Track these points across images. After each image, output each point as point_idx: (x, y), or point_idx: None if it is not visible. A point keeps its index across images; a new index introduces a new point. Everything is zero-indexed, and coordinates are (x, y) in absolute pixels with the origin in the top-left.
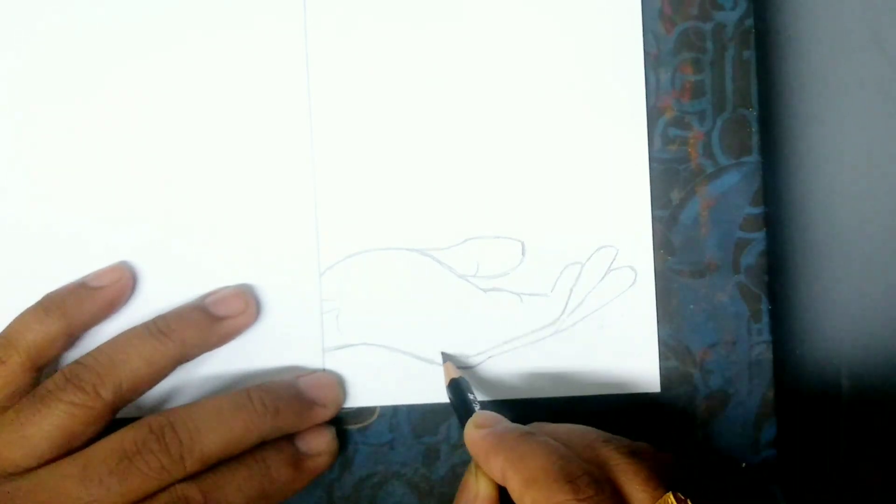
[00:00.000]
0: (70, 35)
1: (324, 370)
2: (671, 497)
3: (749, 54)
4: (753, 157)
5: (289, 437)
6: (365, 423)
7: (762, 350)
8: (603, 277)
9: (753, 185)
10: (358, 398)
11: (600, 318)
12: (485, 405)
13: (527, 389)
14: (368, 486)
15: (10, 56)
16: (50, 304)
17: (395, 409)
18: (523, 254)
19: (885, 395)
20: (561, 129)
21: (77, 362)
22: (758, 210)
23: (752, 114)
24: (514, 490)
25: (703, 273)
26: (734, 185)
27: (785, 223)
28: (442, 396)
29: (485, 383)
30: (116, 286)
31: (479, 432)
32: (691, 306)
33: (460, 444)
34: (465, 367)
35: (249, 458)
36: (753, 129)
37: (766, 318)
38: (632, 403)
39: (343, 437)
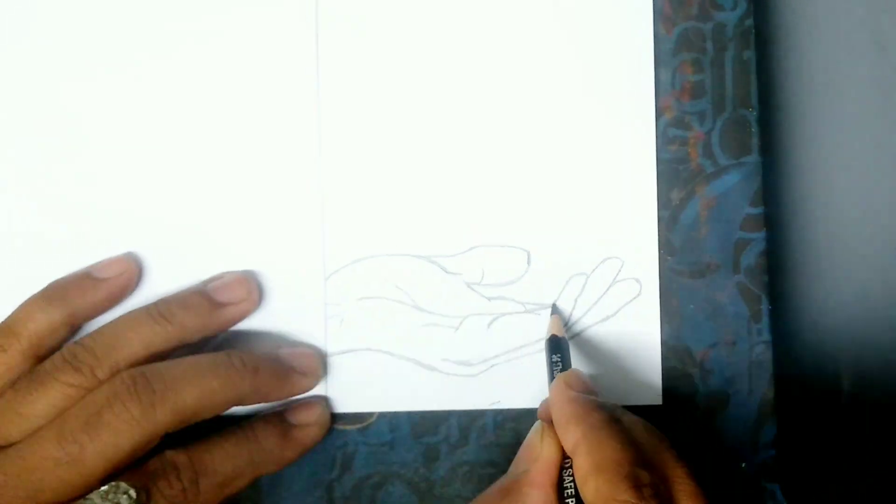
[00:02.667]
0: (86, 33)
1: (308, 344)
2: None
3: (749, 54)
4: (753, 157)
5: (279, 411)
6: (365, 424)
7: (762, 350)
8: (608, 289)
9: (753, 185)
10: (360, 403)
11: (604, 330)
12: (483, 413)
13: (529, 398)
14: (368, 486)
15: (26, 48)
16: (53, 294)
17: (395, 410)
18: (529, 263)
19: (885, 395)
20: (569, 140)
21: (76, 342)
22: (758, 210)
23: (752, 114)
24: (580, 468)
25: (703, 273)
26: (734, 185)
27: (785, 223)
28: (444, 404)
29: (486, 392)
30: (121, 278)
31: (568, 393)
32: (691, 306)
33: (460, 444)
34: (467, 374)
35: (238, 428)
36: (753, 129)
37: (766, 318)
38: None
39: (343, 437)
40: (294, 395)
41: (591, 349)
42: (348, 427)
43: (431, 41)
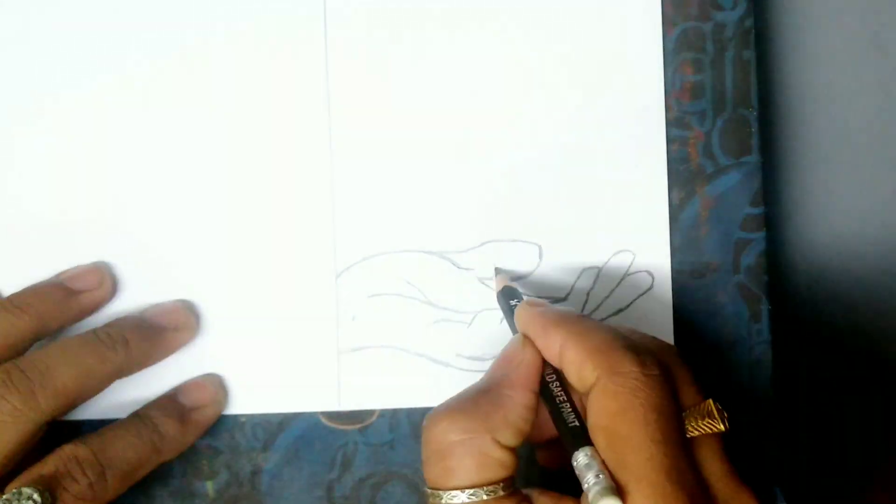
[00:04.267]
0: (96, 35)
1: (173, 300)
2: (712, 403)
3: (749, 54)
4: (753, 157)
5: (171, 395)
6: (365, 424)
7: (762, 350)
8: (620, 281)
9: (753, 185)
10: (372, 401)
11: (617, 322)
12: None
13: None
14: (368, 486)
15: (34, 52)
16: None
17: (395, 410)
18: (540, 257)
19: (886, 396)
20: (578, 134)
21: (20, 357)
22: (758, 210)
23: (752, 114)
24: (574, 359)
25: (703, 273)
26: (734, 185)
27: (785, 223)
28: None
29: None
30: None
31: (535, 310)
32: (691, 306)
33: None
34: (481, 370)
35: (135, 418)
36: (753, 129)
37: (766, 318)
38: None
39: (343, 437)
40: (174, 352)
41: None
42: (348, 427)
43: (441, 38)
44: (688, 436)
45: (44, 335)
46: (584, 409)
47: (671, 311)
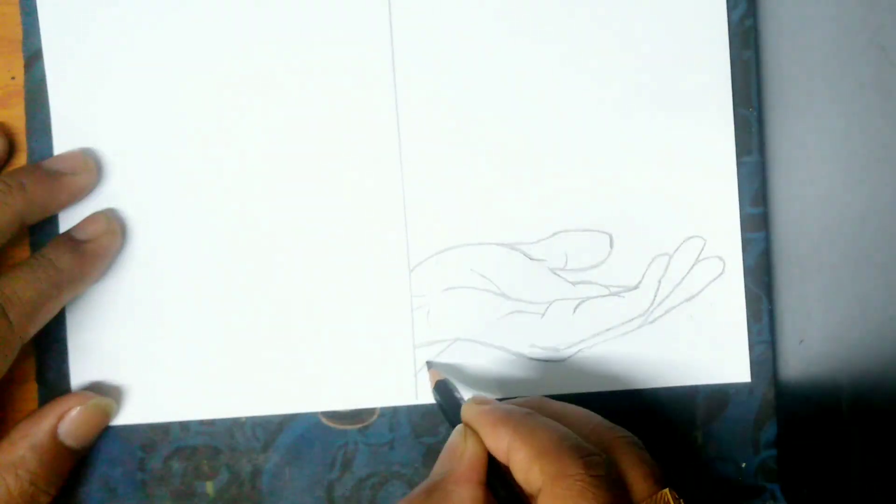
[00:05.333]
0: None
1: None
2: (668, 493)
3: (749, 54)
4: (753, 157)
5: (66, 232)
6: (365, 424)
7: (762, 350)
8: (691, 268)
9: (753, 185)
10: (451, 392)
11: (689, 309)
12: (575, 398)
13: (617, 382)
14: (368, 486)
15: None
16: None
17: (395, 409)
18: (612, 246)
19: (886, 395)
20: (647, 120)
21: None
22: (758, 210)
23: (752, 114)
24: (521, 461)
25: None
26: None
27: (785, 223)
28: (534, 390)
29: (575, 377)
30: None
31: (482, 407)
32: None
33: None
34: (556, 360)
35: (31, 258)
36: (753, 129)
37: (766, 318)
38: (633, 403)
39: (343, 437)
40: (75, 199)
41: (677, 329)
42: (348, 427)
43: (508, 27)
44: None
45: (28, 222)
46: None
47: (743, 297)
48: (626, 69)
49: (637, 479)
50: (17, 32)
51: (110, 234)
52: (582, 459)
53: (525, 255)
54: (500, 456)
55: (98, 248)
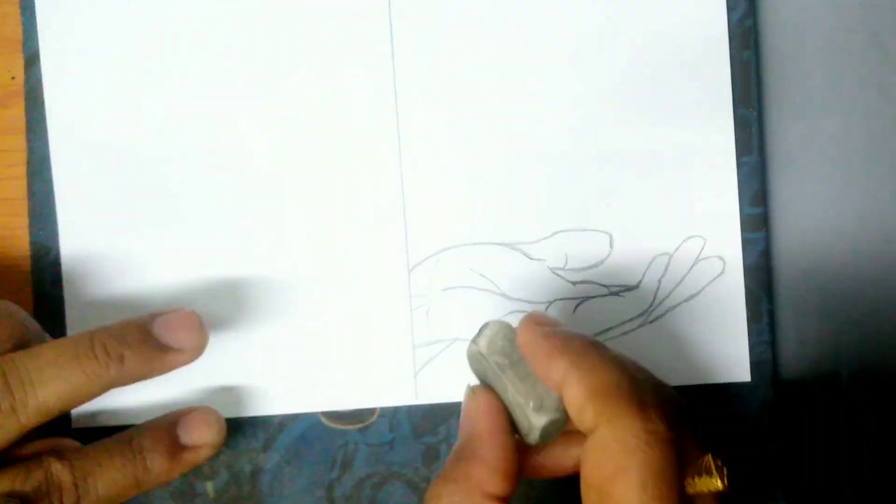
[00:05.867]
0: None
1: (184, 309)
2: (710, 459)
3: (749, 54)
4: (753, 157)
5: (171, 425)
6: (365, 423)
7: (762, 350)
8: (692, 268)
9: (753, 185)
10: (450, 394)
11: (690, 309)
12: None
13: None
14: (368, 486)
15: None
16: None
17: (395, 409)
18: (612, 245)
19: (885, 395)
20: (646, 120)
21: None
22: (758, 210)
23: (752, 114)
24: (574, 399)
25: None
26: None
27: (785, 223)
28: None
29: None
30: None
31: (541, 329)
32: None
33: None
34: None
35: (126, 447)
36: (753, 129)
37: (766, 318)
38: None
39: (343, 437)
40: (171, 370)
41: (677, 329)
42: (348, 427)
43: (505, 28)
44: (688, 493)
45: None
46: (579, 449)
47: (743, 296)
48: (626, 69)
49: (687, 441)
50: (17, 32)
51: (211, 448)
52: (641, 411)
53: (525, 254)
54: (553, 386)
55: (195, 460)
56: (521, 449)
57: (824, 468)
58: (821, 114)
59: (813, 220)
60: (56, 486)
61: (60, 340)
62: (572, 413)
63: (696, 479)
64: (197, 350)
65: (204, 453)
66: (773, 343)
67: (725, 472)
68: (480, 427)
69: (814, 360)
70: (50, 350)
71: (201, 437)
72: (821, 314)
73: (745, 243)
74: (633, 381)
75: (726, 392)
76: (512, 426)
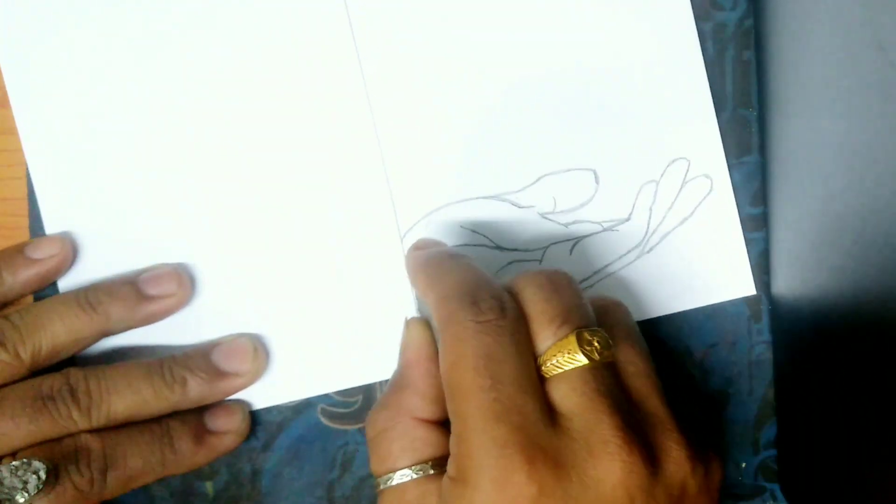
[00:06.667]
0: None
1: (242, 335)
2: (574, 338)
3: (749, 54)
4: (753, 157)
5: (198, 410)
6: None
7: (762, 350)
8: (680, 190)
9: (753, 185)
10: None
11: (685, 232)
12: None
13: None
14: (368, 486)
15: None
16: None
17: None
18: (597, 182)
19: (885, 395)
20: (616, 50)
21: (3, 317)
22: (758, 210)
23: (752, 114)
24: (432, 308)
25: None
26: (734, 185)
27: (785, 223)
28: None
29: None
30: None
31: (414, 252)
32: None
33: None
34: None
35: (155, 425)
36: (753, 129)
37: (766, 318)
38: None
39: (343, 437)
40: (232, 395)
41: (675, 253)
42: (348, 427)
43: None
44: (549, 375)
45: (109, 334)
46: None
47: (735, 210)
48: (592, 8)
49: (540, 325)
50: None
51: (237, 435)
52: (473, 305)
53: (513, 204)
54: (424, 300)
55: (221, 445)
56: None
57: (824, 468)
58: (821, 114)
59: (813, 220)
60: (85, 450)
61: (133, 361)
62: (433, 322)
63: (563, 357)
64: (253, 374)
65: (229, 440)
66: (773, 343)
67: (597, 345)
68: (410, 356)
69: (813, 360)
70: (125, 367)
71: (226, 423)
72: (820, 314)
73: (745, 243)
74: (473, 281)
75: (726, 392)
76: None
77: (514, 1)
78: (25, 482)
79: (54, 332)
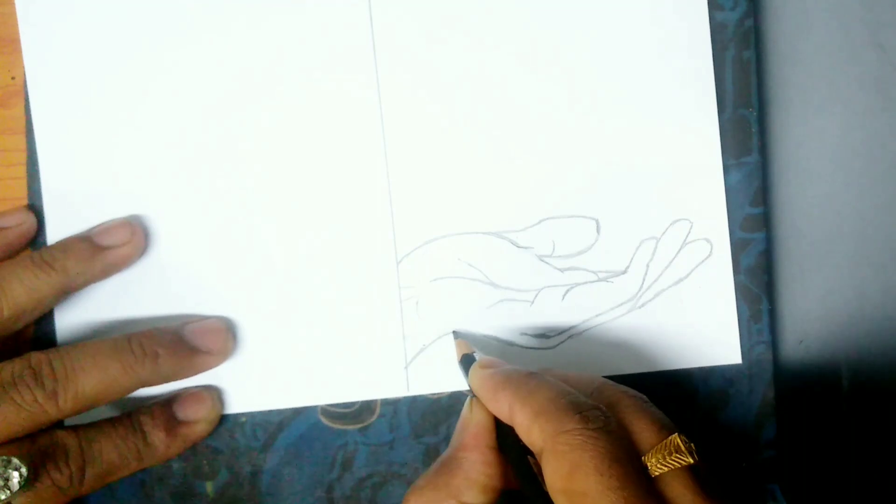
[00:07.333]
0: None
1: (216, 317)
2: (678, 437)
3: (749, 54)
4: (753, 157)
5: (167, 402)
6: (365, 423)
7: (762, 350)
8: (679, 251)
9: (753, 185)
10: (442, 384)
11: (678, 292)
12: None
13: (608, 367)
14: (368, 486)
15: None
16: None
17: (395, 409)
18: (598, 231)
19: (885, 395)
20: (630, 105)
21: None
22: (758, 210)
23: (752, 114)
24: (522, 423)
25: None
26: (734, 185)
27: (785, 223)
28: None
29: (566, 363)
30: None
31: (485, 371)
32: None
33: None
34: (546, 347)
35: (127, 420)
36: (753, 129)
37: (766, 318)
38: None
39: (343, 437)
40: (201, 372)
41: (666, 312)
42: (348, 427)
43: (489, 16)
44: (655, 474)
45: (71, 290)
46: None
47: (731, 277)
48: (610, 56)
49: (643, 429)
50: (17, 32)
51: (208, 423)
52: (579, 415)
53: (512, 242)
54: (505, 419)
55: (192, 433)
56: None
57: (824, 468)
58: (821, 114)
59: (813, 220)
60: (62, 448)
61: (99, 339)
62: (524, 437)
63: (667, 458)
64: (223, 353)
65: (200, 428)
66: (773, 343)
67: (693, 447)
68: (469, 440)
69: (814, 360)
70: (91, 344)
71: (196, 412)
72: (821, 314)
73: (745, 243)
74: (567, 395)
75: (725, 392)
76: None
77: (533, 44)
78: (7, 479)
79: (13, 293)
